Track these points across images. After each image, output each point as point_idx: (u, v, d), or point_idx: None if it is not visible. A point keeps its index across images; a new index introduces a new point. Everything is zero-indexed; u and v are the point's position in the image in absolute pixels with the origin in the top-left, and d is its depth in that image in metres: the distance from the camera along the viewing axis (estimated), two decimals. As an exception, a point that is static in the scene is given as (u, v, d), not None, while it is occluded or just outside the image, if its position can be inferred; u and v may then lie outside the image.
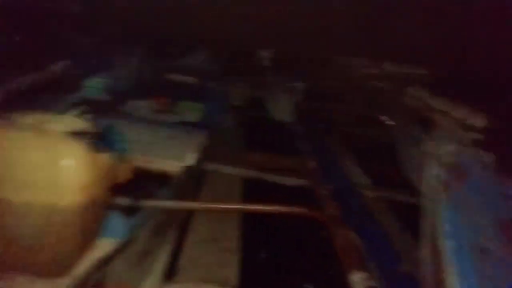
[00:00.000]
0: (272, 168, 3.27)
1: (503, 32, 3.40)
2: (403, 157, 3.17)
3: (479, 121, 2.47)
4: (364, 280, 1.83)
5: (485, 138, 2.30)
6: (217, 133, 3.48)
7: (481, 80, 3.55)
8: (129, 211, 1.81)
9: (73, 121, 1.59)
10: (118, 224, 1.67)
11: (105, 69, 3.75)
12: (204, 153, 2.89)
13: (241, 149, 3.77)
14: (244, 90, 5.37)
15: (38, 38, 3.53)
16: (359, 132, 4.44)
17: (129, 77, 4.03)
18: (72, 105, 2.77)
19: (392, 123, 4.02)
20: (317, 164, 3.32)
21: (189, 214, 2.57)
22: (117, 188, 1.72)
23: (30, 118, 1.55)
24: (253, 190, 2.99)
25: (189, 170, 2.58)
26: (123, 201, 1.84)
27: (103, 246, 1.57)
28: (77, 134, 1.50)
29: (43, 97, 2.79)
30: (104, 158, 1.57)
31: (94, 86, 3.43)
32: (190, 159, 2.64)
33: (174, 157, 2.60)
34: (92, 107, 2.69)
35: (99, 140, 1.57)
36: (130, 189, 1.88)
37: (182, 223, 2.50)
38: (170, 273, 2.10)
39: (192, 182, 2.79)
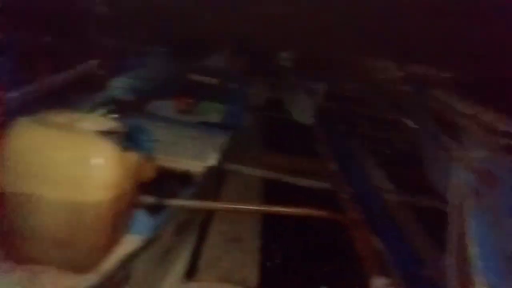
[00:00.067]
0: (292, 170, 3.26)
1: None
2: (427, 162, 3.11)
3: (507, 126, 2.40)
4: (386, 286, 1.81)
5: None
6: (238, 134, 3.50)
7: (507, 85, 3.45)
8: (154, 209, 1.84)
9: (102, 121, 1.63)
10: (143, 221, 1.70)
11: (129, 69, 3.83)
12: (225, 153, 2.91)
13: (262, 150, 3.78)
14: (265, 92, 5.38)
15: (66, 39, 3.63)
16: (381, 135, 4.38)
17: (152, 77, 4.09)
18: (98, 104, 2.84)
19: (415, 126, 3.95)
20: (338, 167, 3.30)
21: (210, 214, 2.59)
22: (142, 187, 1.75)
23: (61, 117, 1.59)
24: (273, 191, 2.99)
25: (210, 170, 2.60)
26: (148, 199, 1.87)
27: (129, 243, 1.60)
28: (106, 133, 1.54)
29: (71, 96, 2.87)
30: (132, 157, 1.60)
31: (119, 86, 3.49)
32: (212, 159, 2.65)
33: (196, 157, 2.62)
34: (117, 107, 2.75)
35: (127, 139, 1.61)
36: (153, 188, 1.91)
37: (203, 223, 2.53)
38: (190, 272, 2.12)
39: (213, 183, 2.81)
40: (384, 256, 2.11)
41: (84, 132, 1.53)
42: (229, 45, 5.88)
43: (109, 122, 1.64)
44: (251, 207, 2.62)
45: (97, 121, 1.62)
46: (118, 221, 1.56)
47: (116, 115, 1.85)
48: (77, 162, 1.45)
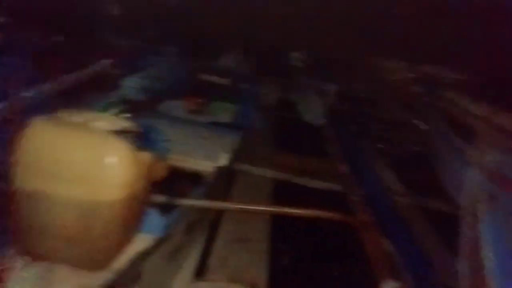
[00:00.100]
0: (302, 171, 3.25)
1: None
2: (439, 164, 3.07)
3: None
4: (396, 289, 1.79)
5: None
6: (249, 134, 3.50)
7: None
8: (165, 208, 1.86)
9: (116, 120, 1.65)
10: (155, 220, 1.72)
11: (141, 69, 3.86)
12: (235, 153, 2.92)
13: (272, 150, 3.77)
14: (276, 92, 5.38)
15: (79, 39, 3.68)
16: (393, 137, 4.34)
17: (164, 77, 4.12)
18: (111, 104, 2.87)
19: (427, 128, 3.91)
20: (348, 168, 3.28)
21: (220, 214, 2.60)
22: (154, 186, 1.77)
23: (75, 117, 1.61)
24: (283, 192, 2.98)
25: (221, 170, 2.61)
26: (159, 198, 1.89)
27: (141, 242, 1.62)
28: (120, 133, 1.55)
29: (84, 95, 2.91)
30: (145, 156, 1.61)
31: (132, 85, 3.53)
32: (223, 159, 2.66)
33: (207, 157, 2.63)
34: (130, 106, 2.78)
35: (140, 139, 1.62)
36: (164, 187, 1.92)
37: (213, 222, 2.53)
38: (200, 272, 2.13)
39: (223, 183, 2.82)
40: (394, 259, 2.09)
41: (99, 132, 1.55)
42: (240, 45, 5.89)
43: (123, 122, 1.66)
44: (261, 208, 2.62)
45: (111, 120, 1.64)
46: (131, 220, 1.58)
47: (128, 115, 1.88)
48: (91, 161, 1.47)
